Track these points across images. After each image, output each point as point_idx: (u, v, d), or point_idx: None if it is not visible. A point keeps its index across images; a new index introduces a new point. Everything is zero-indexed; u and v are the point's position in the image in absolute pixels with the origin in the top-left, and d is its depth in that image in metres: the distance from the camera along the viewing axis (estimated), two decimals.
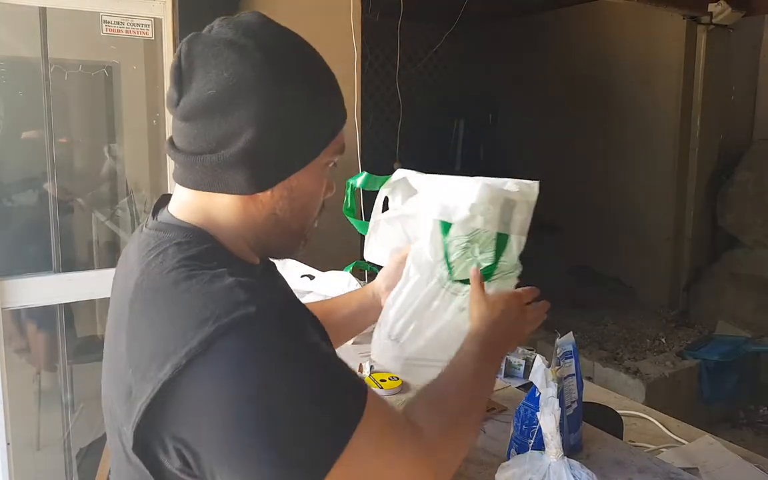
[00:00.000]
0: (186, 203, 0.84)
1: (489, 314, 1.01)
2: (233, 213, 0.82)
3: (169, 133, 0.85)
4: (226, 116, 0.76)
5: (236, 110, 0.76)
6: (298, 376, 0.70)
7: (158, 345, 0.70)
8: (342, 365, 0.76)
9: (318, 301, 1.34)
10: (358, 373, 0.79)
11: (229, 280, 0.73)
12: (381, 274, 1.25)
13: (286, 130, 0.79)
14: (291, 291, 0.96)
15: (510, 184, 1.16)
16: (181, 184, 0.84)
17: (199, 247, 0.79)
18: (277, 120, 0.78)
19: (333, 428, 0.70)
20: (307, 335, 0.75)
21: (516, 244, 1.11)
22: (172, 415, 0.69)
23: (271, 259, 0.96)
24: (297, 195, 0.83)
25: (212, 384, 0.68)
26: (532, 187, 1.17)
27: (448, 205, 1.10)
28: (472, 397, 0.89)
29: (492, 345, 0.97)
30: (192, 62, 0.78)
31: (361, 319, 1.24)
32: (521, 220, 1.13)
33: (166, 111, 0.83)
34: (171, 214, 0.85)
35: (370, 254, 1.31)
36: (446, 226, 1.10)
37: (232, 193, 0.80)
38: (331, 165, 0.87)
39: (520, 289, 1.10)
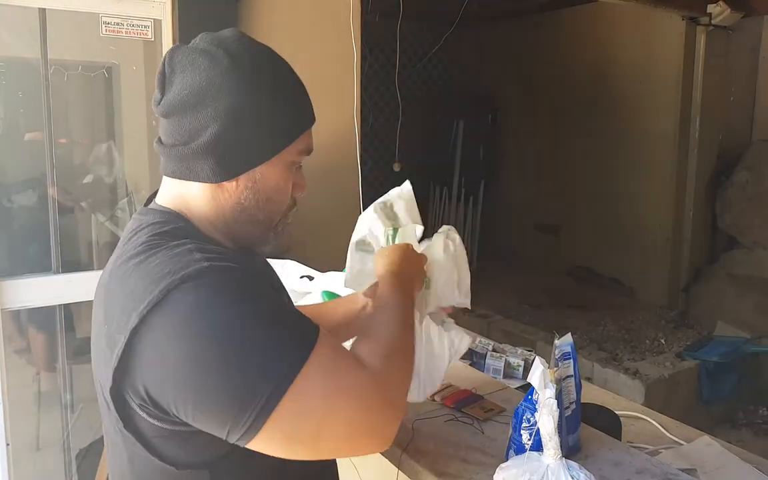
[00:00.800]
0: (167, 192, 0.96)
1: (389, 259, 1.13)
2: (204, 200, 0.94)
3: None
4: (196, 113, 0.89)
5: (204, 108, 0.88)
6: (250, 312, 0.80)
7: (127, 301, 0.82)
8: (295, 311, 0.88)
9: (309, 305, 1.43)
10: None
11: (190, 246, 0.85)
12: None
13: (248, 127, 0.90)
14: (266, 272, 1.06)
15: (388, 194, 1.34)
16: (163, 174, 0.96)
17: (172, 226, 0.91)
18: (240, 117, 0.89)
19: (286, 355, 0.79)
20: (263, 284, 0.86)
21: (411, 230, 1.27)
22: (141, 359, 0.80)
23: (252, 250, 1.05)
24: (261, 187, 0.94)
25: (169, 328, 0.78)
26: (403, 187, 1.34)
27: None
28: (402, 326, 0.98)
29: (401, 281, 1.08)
30: (173, 68, 0.91)
31: (344, 330, 1.27)
32: (404, 211, 1.29)
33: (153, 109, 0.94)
34: (156, 202, 0.97)
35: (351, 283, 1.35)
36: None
37: (200, 182, 0.92)
38: (297, 165, 0.98)
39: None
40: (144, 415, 0.83)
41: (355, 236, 1.31)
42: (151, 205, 0.97)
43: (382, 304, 1.03)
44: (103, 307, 0.89)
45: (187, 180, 0.93)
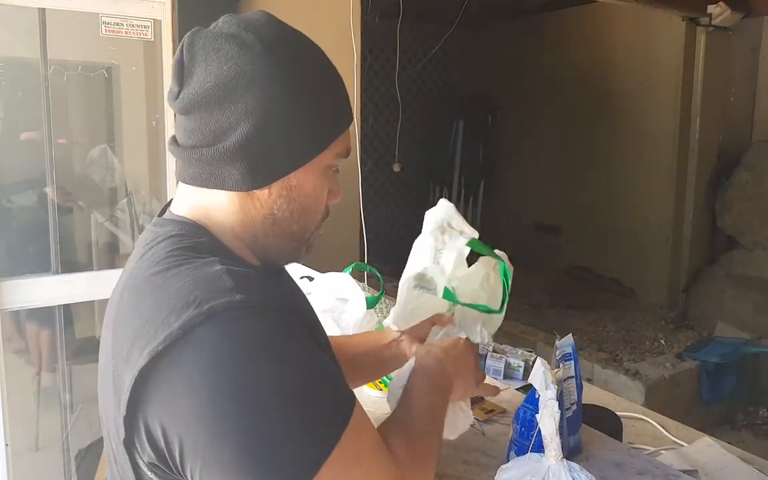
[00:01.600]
0: (185, 200, 0.83)
1: (435, 350, 1.02)
2: (230, 211, 0.80)
3: (168, 134, 0.83)
4: (223, 109, 0.75)
5: (233, 103, 0.75)
6: (282, 376, 0.68)
7: (140, 330, 0.69)
8: (333, 375, 0.75)
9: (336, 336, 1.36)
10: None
11: (219, 267, 0.71)
12: (410, 333, 1.23)
13: (285, 127, 0.77)
14: (295, 295, 0.93)
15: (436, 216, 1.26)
16: (180, 180, 0.83)
17: (194, 239, 0.78)
18: (276, 115, 0.76)
19: (317, 437, 0.68)
20: (297, 335, 0.73)
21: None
22: (151, 400, 0.67)
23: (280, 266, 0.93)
24: (296, 195, 0.81)
25: (191, 369, 0.65)
26: (446, 205, 1.26)
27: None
28: (432, 423, 0.90)
29: (437, 378, 0.97)
30: (194, 55, 0.77)
31: (370, 362, 1.21)
32: (462, 223, 1.24)
33: (166, 112, 0.84)
34: (172, 212, 0.84)
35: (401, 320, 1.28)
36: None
37: (227, 189, 0.79)
38: (334, 169, 0.86)
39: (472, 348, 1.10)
40: (152, 476, 0.71)
41: (413, 269, 1.21)
42: (167, 215, 0.84)
43: (413, 397, 0.92)
44: (112, 332, 0.76)
45: (210, 187, 0.79)
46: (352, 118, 0.86)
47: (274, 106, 0.76)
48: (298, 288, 1.00)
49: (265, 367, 0.67)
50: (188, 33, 0.80)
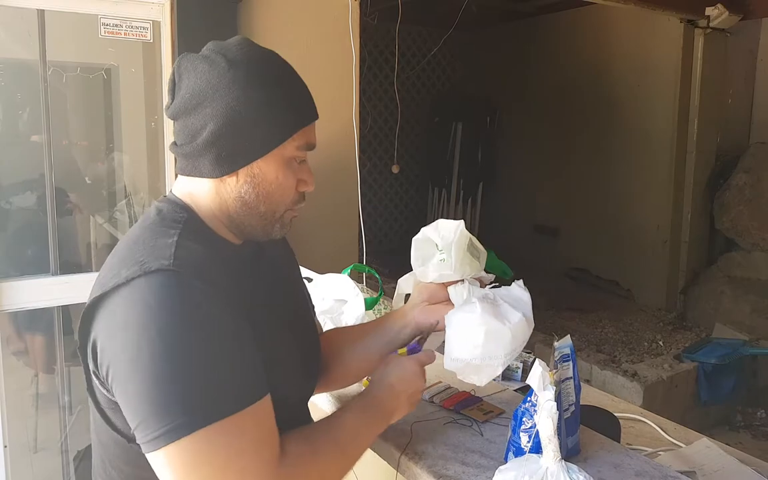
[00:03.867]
0: (179, 186, 1.04)
1: (381, 376, 1.12)
2: (208, 195, 1.01)
3: (166, 135, 1.04)
4: (197, 113, 0.96)
5: (204, 108, 0.95)
6: (188, 340, 0.84)
7: (105, 274, 0.91)
8: (240, 362, 0.88)
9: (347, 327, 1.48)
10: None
11: (174, 239, 0.92)
12: (415, 292, 1.28)
13: (243, 125, 0.95)
14: (257, 280, 1.05)
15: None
16: (177, 172, 1.04)
17: (174, 213, 0.99)
18: (235, 116, 0.94)
19: (200, 405, 0.82)
20: (217, 310, 0.87)
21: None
22: (97, 324, 0.88)
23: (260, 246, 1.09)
24: (260, 181, 0.99)
25: (127, 308, 0.85)
26: (460, 225, 1.24)
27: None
28: (344, 452, 1.01)
29: (378, 408, 1.07)
30: (181, 74, 0.98)
31: (390, 336, 1.25)
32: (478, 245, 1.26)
33: (165, 116, 0.99)
34: (171, 192, 1.05)
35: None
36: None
37: (203, 177, 0.99)
38: (299, 160, 1.02)
39: (421, 354, 1.17)
40: (98, 384, 0.90)
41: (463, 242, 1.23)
42: (168, 195, 1.05)
43: (352, 410, 1.04)
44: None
45: (192, 176, 1.00)
46: (312, 117, 1.02)
47: (233, 109, 0.94)
48: (289, 281, 1.17)
49: (181, 325, 0.84)
50: (178, 57, 1.00)
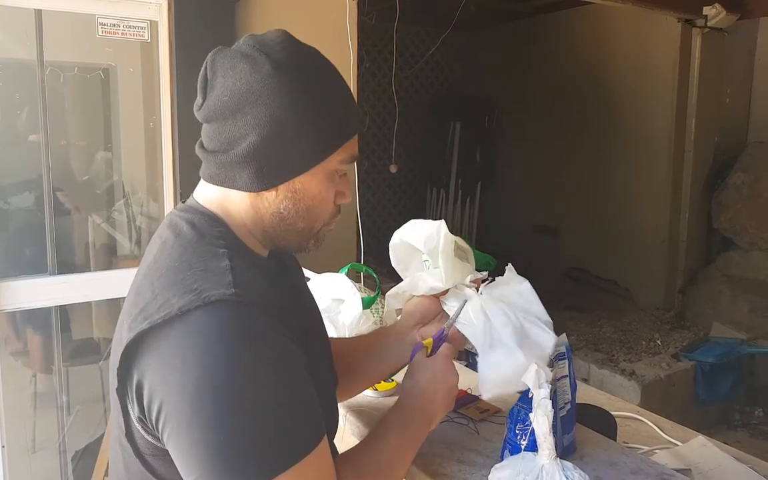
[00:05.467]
0: (206, 194, 0.95)
1: (411, 385, 1.04)
2: (243, 207, 0.92)
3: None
4: (235, 120, 0.86)
5: (244, 116, 0.86)
6: (260, 379, 0.77)
7: (149, 302, 0.81)
8: (308, 401, 0.83)
9: (337, 338, 1.35)
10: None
11: (226, 263, 0.83)
12: (406, 314, 1.21)
13: (287, 137, 0.87)
14: (296, 298, 1.01)
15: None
16: (203, 178, 0.94)
17: (211, 228, 0.90)
18: (279, 127, 0.86)
19: (270, 455, 0.76)
20: (279, 343, 0.81)
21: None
22: (143, 361, 0.79)
23: (288, 255, 1.05)
24: (301, 197, 0.91)
25: (183, 347, 0.76)
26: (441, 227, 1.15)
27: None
28: (392, 474, 0.97)
29: (414, 419, 1.01)
30: (215, 72, 0.88)
31: (384, 357, 1.20)
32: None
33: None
34: (195, 200, 0.96)
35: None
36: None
37: (239, 189, 0.90)
38: (341, 173, 0.95)
39: (444, 349, 1.09)
40: (140, 428, 0.82)
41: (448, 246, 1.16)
42: (191, 202, 0.96)
43: (392, 428, 0.99)
44: (133, 296, 0.87)
45: (225, 187, 0.91)
46: (358, 127, 0.95)
47: (278, 119, 0.86)
48: (305, 291, 1.10)
49: (248, 367, 0.77)
50: (212, 51, 0.91)
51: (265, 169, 0.88)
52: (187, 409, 0.75)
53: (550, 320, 1.09)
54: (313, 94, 0.88)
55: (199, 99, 0.90)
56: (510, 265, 1.16)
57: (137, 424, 0.82)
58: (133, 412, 0.81)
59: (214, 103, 0.87)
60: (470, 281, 1.15)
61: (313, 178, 0.91)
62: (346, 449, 0.98)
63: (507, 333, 1.05)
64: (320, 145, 0.90)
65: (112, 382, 0.83)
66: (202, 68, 0.90)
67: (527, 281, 1.13)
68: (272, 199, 0.91)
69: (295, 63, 0.88)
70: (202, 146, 0.93)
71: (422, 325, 1.18)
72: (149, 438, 0.81)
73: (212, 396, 0.74)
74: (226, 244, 0.87)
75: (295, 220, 0.92)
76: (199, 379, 0.75)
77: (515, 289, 1.13)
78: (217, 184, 0.92)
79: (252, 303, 0.79)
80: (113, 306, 2.81)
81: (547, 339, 1.06)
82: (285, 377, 0.80)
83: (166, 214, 1.00)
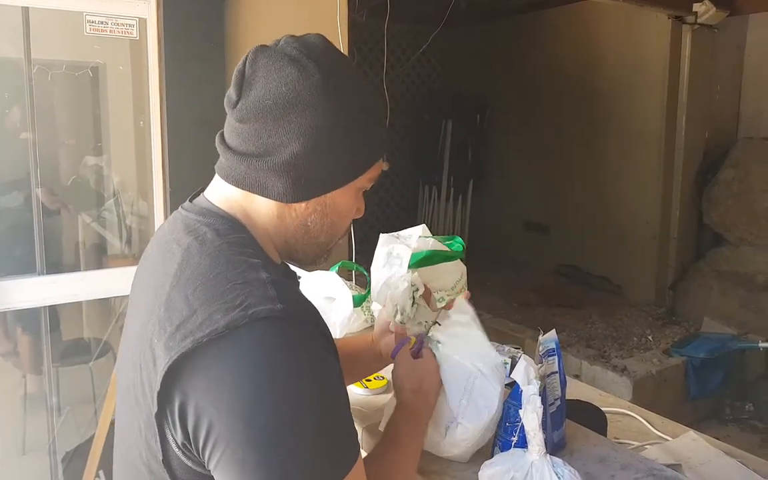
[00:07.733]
0: (226, 195, 0.90)
1: (398, 388, 1.07)
2: (269, 216, 0.89)
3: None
4: (277, 126, 0.83)
5: (287, 123, 0.83)
6: (314, 396, 0.76)
7: (187, 318, 0.75)
8: (349, 415, 0.82)
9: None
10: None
11: (264, 275, 0.79)
12: (377, 322, 1.28)
13: (330, 151, 0.85)
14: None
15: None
16: (223, 179, 0.89)
17: (236, 235, 0.85)
18: (323, 140, 0.84)
19: (332, 463, 0.76)
20: (327, 356, 0.80)
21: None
22: (188, 383, 0.73)
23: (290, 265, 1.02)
24: (329, 211, 0.91)
25: (234, 366, 0.72)
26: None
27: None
28: (412, 463, 1.00)
29: (422, 406, 1.05)
30: (256, 70, 0.84)
31: (357, 362, 1.26)
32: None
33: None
34: (209, 201, 0.90)
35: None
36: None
37: (270, 198, 0.87)
38: (364, 190, 0.95)
39: (405, 347, 1.13)
40: (180, 454, 0.77)
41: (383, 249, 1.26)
42: (207, 205, 0.90)
43: (397, 438, 1.00)
44: (161, 315, 0.80)
45: (254, 193, 0.87)
46: (387, 147, 0.95)
47: (322, 132, 0.84)
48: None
49: (300, 384, 0.74)
50: (253, 48, 0.87)
51: (303, 181, 0.86)
52: (241, 430, 0.72)
53: (501, 363, 1.12)
54: (357, 110, 0.88)
55: (232, 95, 0.86)
56: (462, 299, 1.19)
57: (178, 450, 0.77)
58: (175, 437, 0.76)
59: (253, 104, 0.83)
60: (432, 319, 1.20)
61: (344, 193, 0.91)
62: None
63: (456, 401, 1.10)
64: (359, 162, 0.90)
65: (143, 403, 0.79)
66: (240, 63, 0.86)
67: (472, 311, 1.16)
68: (301, 211, 0.89)
69: (343, 76, 0.87)
70: (227, 145, 0.88)
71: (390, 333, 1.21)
72: (190, 463, 0.77)
73: (268, 416, 0.72)
74: (254, 253, 0.84)
75: (318, 233, 0.92)
76: (252, 399, 0.72)
77: (466, 334, 1.15)
78: (244, 189, 0.87)
79: (298, 318, 0.78)
80: (103, 306, 2.79)
81: (493, 395, 1.09)
82: (333, 393, 0.79)
83: (172, 214, 0.96)
